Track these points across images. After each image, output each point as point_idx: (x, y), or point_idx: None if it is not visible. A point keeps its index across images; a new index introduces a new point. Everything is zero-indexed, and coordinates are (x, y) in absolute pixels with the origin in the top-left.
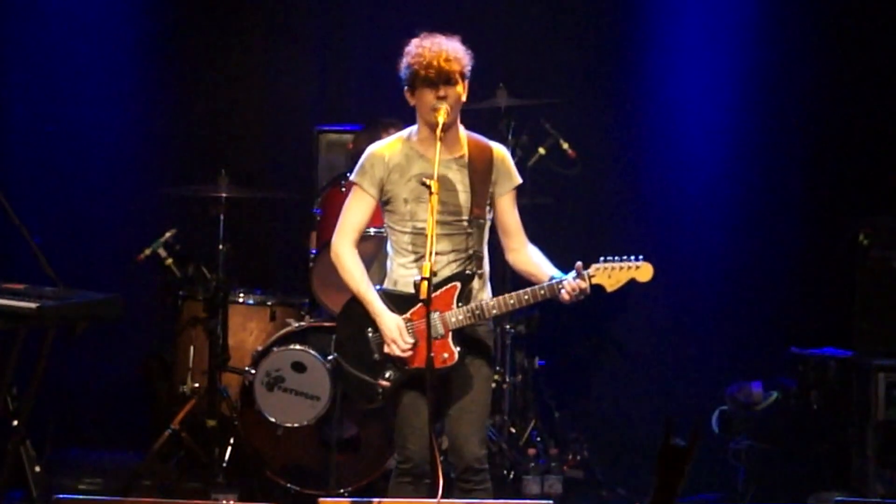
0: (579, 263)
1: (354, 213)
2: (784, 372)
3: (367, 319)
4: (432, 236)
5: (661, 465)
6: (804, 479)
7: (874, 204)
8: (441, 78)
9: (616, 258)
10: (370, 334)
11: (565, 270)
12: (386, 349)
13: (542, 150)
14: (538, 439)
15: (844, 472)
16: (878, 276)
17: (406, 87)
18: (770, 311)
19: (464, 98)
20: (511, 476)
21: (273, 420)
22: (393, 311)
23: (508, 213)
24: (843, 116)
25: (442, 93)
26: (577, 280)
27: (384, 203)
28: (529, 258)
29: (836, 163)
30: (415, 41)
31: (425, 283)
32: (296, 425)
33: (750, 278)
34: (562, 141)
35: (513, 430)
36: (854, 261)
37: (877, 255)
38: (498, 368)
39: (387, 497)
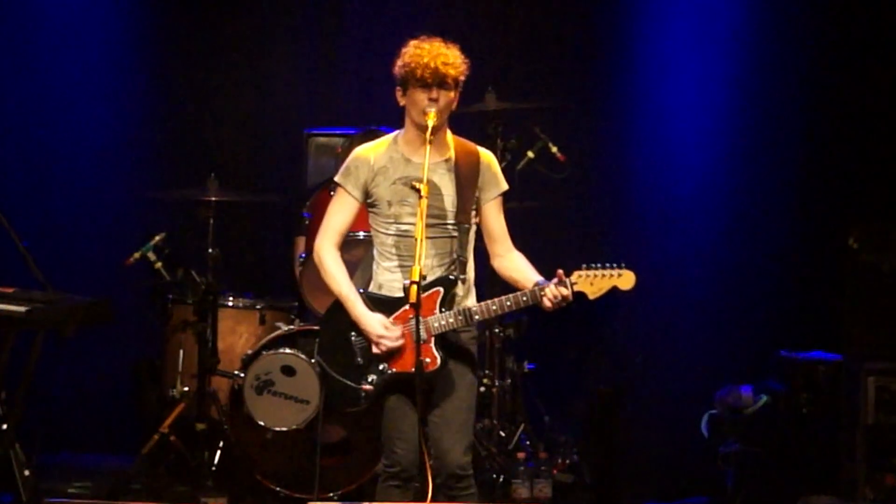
0: (560, 271)
1: (338, 215)
2: (773, 375)
3: (350, 323)
4: (422, 240)
5: None
6: (794, 482)
7: (864, 207)
8: (436, 80)
9: (598, 265)
10: (353, 338)
11: (553, 274)
12: (374, 349)
13: (531, 154)
14: (527, 443)
15: (834, 476)
16: (868, 280)
17: (398, 87)
18: (759, 314)
19: (454, 106)
20: (500, 480)
21: (262, 424)
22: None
23: (494, 219)
24: (833, 120)
25: (434, 94)
26: (559, 287)
27: (369, 205)
28: (514, 264)
29: (826, 166)
30: (413, 41)
31: (414, 286)
32: (285, 429)
33: (739, 282)
34: (551, 144)
35: (502, 434)
36: (844, 264)
37: (867, 258)
38: (487, 372)
39: (375, 501)
